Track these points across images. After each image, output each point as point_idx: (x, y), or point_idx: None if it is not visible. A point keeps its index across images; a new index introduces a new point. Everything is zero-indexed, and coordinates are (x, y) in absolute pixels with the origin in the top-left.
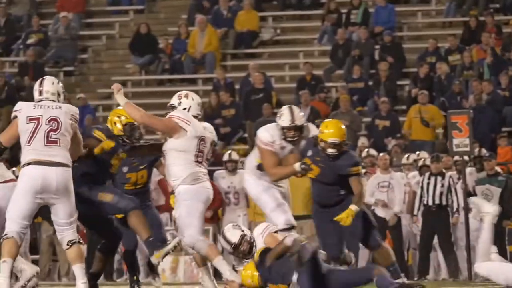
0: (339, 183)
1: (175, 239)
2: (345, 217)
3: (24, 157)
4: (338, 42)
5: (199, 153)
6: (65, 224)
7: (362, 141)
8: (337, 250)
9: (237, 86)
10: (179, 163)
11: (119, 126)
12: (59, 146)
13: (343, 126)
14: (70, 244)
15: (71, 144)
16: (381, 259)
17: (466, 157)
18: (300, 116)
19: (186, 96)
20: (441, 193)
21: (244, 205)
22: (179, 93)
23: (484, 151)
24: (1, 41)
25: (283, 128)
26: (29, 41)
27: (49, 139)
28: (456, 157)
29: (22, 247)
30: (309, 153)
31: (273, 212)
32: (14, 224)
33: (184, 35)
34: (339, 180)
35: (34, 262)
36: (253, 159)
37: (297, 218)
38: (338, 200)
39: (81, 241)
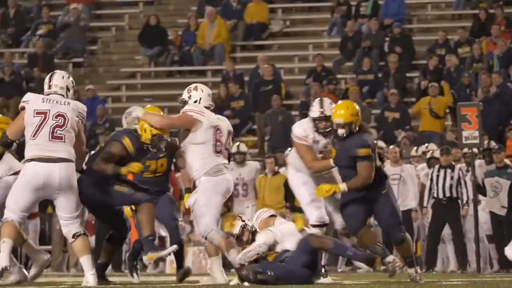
0: (354, 165)
1: (172, 247)
2: (325, 190)
3: (28, 152)
4: (348, 34)
5: (217, 143)
6: (69, 219)
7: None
8: (357, 223)
9: (246, 78)
10: (199, 156)
11: (148, 133)
12: (64, 142)
13: (356, 107)
14: (75, 237)
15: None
16: (402, 251)
17: (475, 150)
18: (331, 106)
19: (196, 88)
20: (451, 186)
21: (252, 197)
22: (188, 87)
23: (493, 143)
24: (10, 32)
25: (314, 119)
26: (39, 32)
27: (54, 134)
28: (465, 150)
29: (32, 238)
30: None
31: (307, 206)
32: (13, 215)
33: (194, 27)
34: (353, 163)
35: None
36: (295, 153)
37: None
38: None
39: (86, 233)
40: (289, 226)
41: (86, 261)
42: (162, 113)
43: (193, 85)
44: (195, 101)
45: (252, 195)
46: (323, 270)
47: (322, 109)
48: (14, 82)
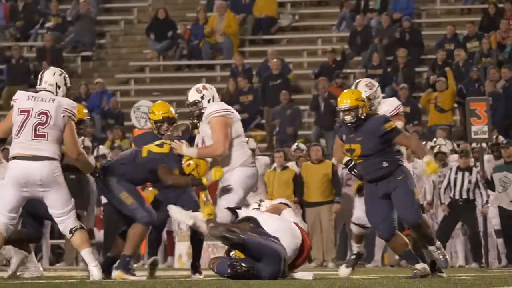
0: (380, 150)
1: (141, 277)
2: (430, 168)
3: (11, 150)
4: (357, 28)
5: (243, 134)
6: (62, 214)
7: None
8: (386, 229)
9: (255, 72)
10: (236, 149)
11: (188, 169)
12: (47, 140)
13: (363, 95)
14: (73, 232)
15: (65, 144)
16: (421, 231)
17: (484, 144)
18: (362, 89)
19: (204, 88)
20: (468, 189)
21: (262, 191)
22: (195, 87)
23: (501, 138)
24: (19, 25)
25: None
26: (47, 25)
27: (37, 132)
28: (474, 144)
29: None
30: (344, 136)
31: (356, 202)
32: (1, 216)
33: (203, 21)
34: (381, 147)
35: (53, 246)
36: None
37: (313, 204)
38: (384, 173)
39: (83, 226)
40: (283, 219)
41: (87, 254)
42: (171, 108)
43: (200, 85)
44: (209, 100)
45: (261, 189)
46: (349, 256)
47: None
48: (21, 70)
